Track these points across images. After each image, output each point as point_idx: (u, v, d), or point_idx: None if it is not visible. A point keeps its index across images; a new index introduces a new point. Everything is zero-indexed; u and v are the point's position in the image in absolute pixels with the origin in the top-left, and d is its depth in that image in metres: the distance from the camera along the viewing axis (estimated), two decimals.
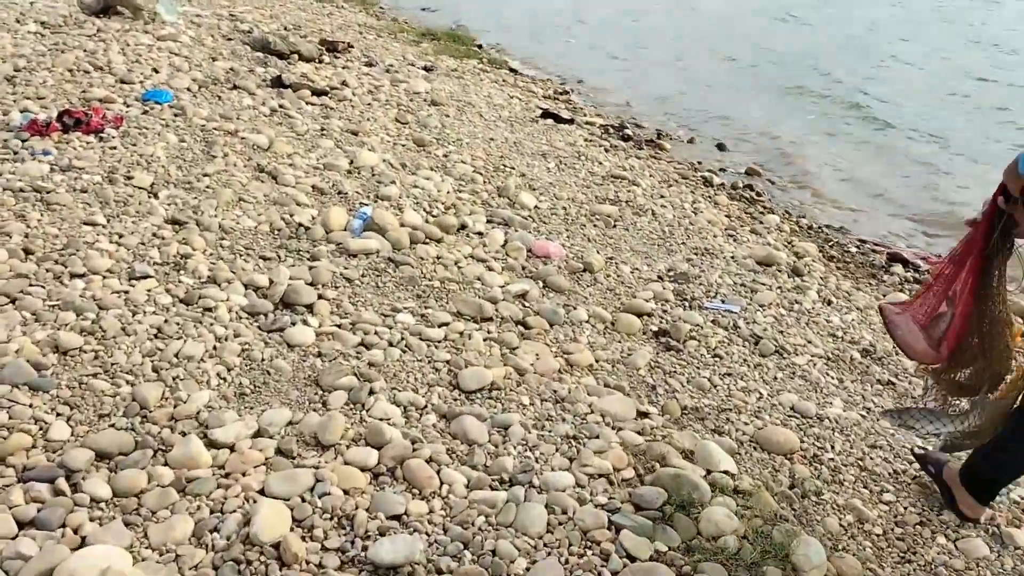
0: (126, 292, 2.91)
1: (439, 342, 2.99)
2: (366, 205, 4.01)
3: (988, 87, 9.28)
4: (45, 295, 2.82)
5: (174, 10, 7.03)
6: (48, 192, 3.57)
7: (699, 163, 6.24)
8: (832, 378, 3.20)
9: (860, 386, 3.18)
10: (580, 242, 4.18)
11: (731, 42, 10.92)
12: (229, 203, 3.78)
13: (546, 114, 6.52)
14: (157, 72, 5.42)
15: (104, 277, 2.98)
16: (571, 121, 6.54)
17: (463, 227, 4.04)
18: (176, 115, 4.73)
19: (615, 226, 4.48)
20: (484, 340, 3.05)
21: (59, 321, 2.69)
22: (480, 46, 9.27)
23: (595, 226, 4.43)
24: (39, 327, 2.64)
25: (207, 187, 3.91)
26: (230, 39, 6.72)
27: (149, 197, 3.71)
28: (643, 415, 2.75)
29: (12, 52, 5.32)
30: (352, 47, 7.30)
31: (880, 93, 8.73)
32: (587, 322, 3.36)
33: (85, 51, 5.55)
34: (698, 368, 3.12)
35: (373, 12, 10.21)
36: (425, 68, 7.25)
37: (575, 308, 3.44)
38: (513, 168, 5.07)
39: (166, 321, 2.78)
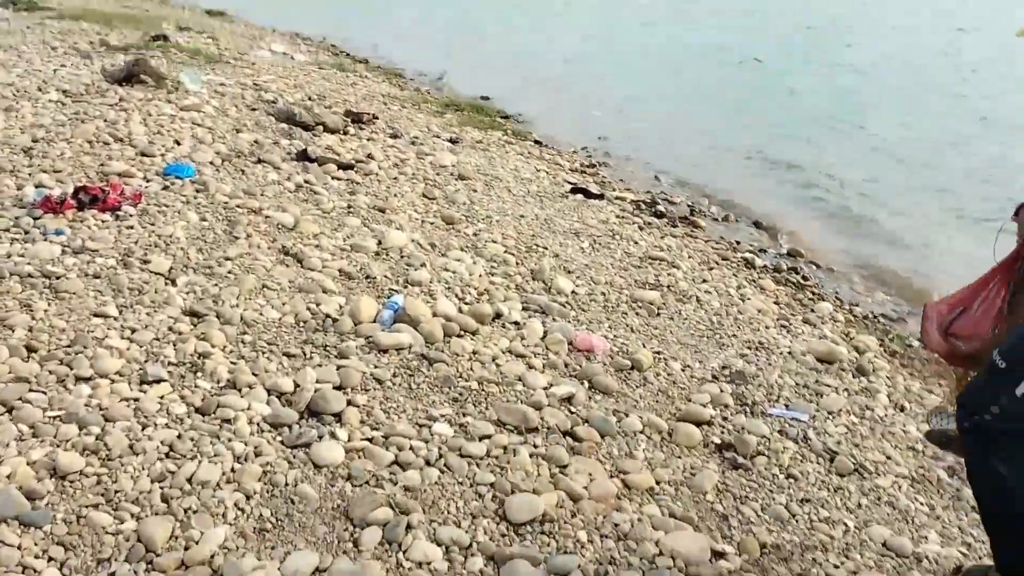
0: (136, 400, 2.62)
1: (481, 459, 2.67)
2: (396, 293, 3.75)
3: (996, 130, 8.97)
4: (46, 403, 2.53)
5: (198, 79, 6.95)
6: (58, 278, 3.32)
7: (738, 243, 5.97)
8: (922, 504, 2.84)
9: (953, 514, 2.82)
10: (623, 333, 3.88)
11: (724, 109, 10.78)
12: (252, 291, 3.51)
13: (575, 189, 6.32)
14: (179, 144, 5.25)
15: (113, 381, 2.69)
16: (601, 196, 6.33)
17: (498, 316, 3.76)
18: (198, 191, 4.53)
19: (659, 314, 4.18)
20: (531, 456, 2.72)
21: (59, 436, 2.39)
22: (506, 117, 9.17)
23: (637, 314, 4.14)
24: (37, 443, 2.35)
25: (228, 272, 3.66)
26: (254, 109, 6.60)
27: (166, 284, 3.46)
28: (719, 555, 2.39)
29: (32, 122, 5.18)
30: (377, 118, 7.18)
31: (878, 168, 8.39)
32: (641, 432, 3.03)
33: (106, 121, 5.41)
34: (771, 492, 2.77)
35: (396, 82, 10.19)
36: (451, 140, 7.11)
37: (627, 415, 3.12)
38: (546, 248, 4.82)
39: (179, 436, 2.48)
